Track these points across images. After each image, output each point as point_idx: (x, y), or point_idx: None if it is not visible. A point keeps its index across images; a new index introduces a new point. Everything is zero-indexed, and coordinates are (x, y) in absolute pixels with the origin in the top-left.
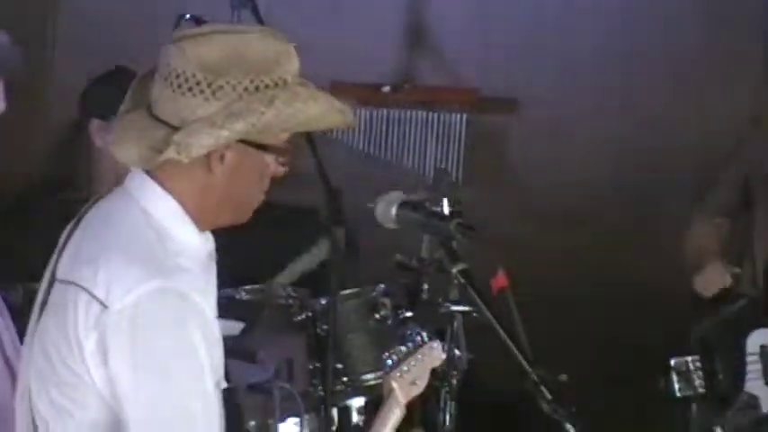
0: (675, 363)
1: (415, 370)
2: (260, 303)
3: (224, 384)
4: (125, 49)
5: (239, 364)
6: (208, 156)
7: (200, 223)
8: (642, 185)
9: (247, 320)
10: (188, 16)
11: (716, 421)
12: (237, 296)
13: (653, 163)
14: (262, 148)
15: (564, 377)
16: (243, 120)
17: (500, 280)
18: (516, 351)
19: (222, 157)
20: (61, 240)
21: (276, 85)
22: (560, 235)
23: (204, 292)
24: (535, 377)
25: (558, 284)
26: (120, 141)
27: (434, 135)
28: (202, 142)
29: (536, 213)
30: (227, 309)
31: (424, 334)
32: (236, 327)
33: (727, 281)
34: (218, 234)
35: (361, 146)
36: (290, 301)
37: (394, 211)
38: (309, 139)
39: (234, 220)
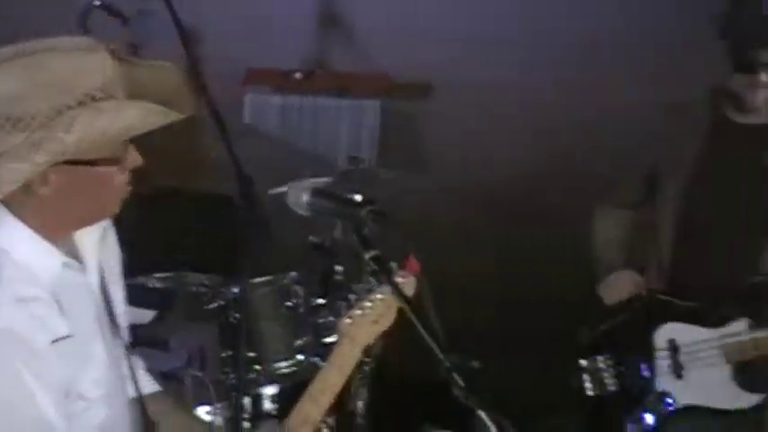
0: (587, 363)
1: (373, 310)
2: (172, 291)
3: (88, 396)
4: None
5: (151, 353)
6: (29, 184)
7: (53, 237)
8: (557, 168)
9: (159, 308)
10: (98, 2)
11: (629, 418)
12: (149, 284)
13: (568, 146)
14: (89, 163)
15: (476, 364)
16: (43, 149)
17: (412, 265)
18: (428, 337)
19: (46, 182)
20: None
21: (80, 103)
22: (477, 219)
23: (46, 321)
24: (448, 364)
25: (474, 270)
26: None
27: (347, 121)
28: (10, 178)
29: (452, 198)
30: (139, 297)
31: (393, 265)
32: (147, 315)
33: (630, 290)
34: (129, 221)
35: (274, 132)
36: (202, 289)
37: (305, 197)
38: (221, 127)
39: (95, 222)
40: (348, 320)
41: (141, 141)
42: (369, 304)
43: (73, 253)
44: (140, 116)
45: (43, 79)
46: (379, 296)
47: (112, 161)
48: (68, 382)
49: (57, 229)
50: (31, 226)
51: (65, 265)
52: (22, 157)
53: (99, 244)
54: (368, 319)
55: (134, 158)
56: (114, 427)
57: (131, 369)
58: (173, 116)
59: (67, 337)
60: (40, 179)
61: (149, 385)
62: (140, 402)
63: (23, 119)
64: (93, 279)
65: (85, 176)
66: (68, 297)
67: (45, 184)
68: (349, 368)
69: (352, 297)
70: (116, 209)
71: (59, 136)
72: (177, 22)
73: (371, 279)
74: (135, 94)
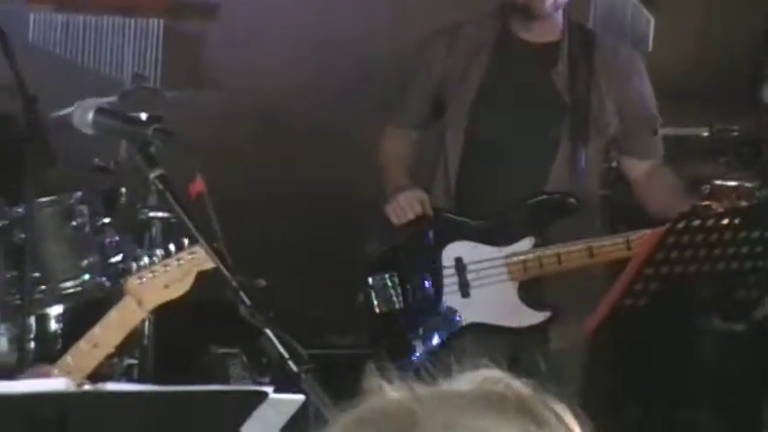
0: (373, 279)
1: (167, 274)
2: None
3: None
4: None
5: None
6: None
7: None
8: (345, 91)
9: None
10: None
11: (415, 335)
12: None
13: (355, 68)
14: None
15: (262, 282)
16: None
17: (197, 185)
18: (214, 256)
19: None
20: None
21: None
22: (262, 140)
23: None
24: (234, 283)
25: (262, 189)
26: None
27: (131, 40)
28: None
29: (237, 118)
30: None
31: (186, 240)
32: None
33: (417, 210)
34: None
35: (58, 51)
36: None
37: (90, 116)
38: (5, 46)
39: None
40: (137, 281)
41: None
42: (162, 268)
43: None
44: None
45: None
46: (176, 262)
47: None
48: None
49: None
50: None
51: None
52: None
53: None
54: (159, 282)
55: None
56: None
57: None
58: None
59: None
60: None
61: None
62: None
63: None
64: None
65: None
66: None
67: None
68: (130, 326)
69: (145, 258)
70: None
71: None
72: None
73: (171, 245)
74: None
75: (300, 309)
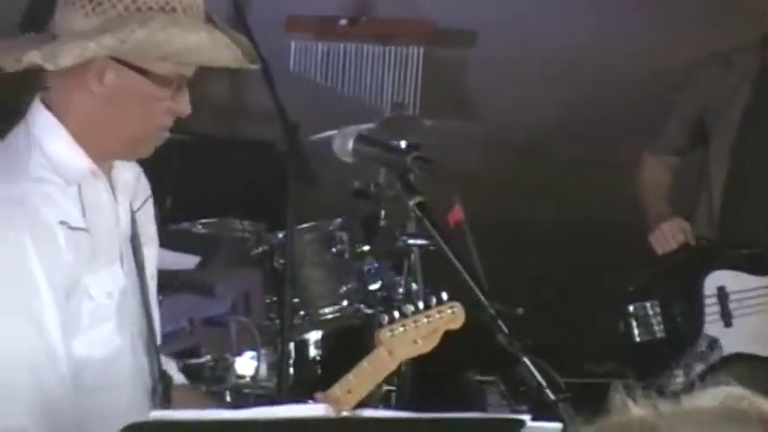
0: (634, 308)
1: (417, 330)
2: (217, 237)
3: (98, 300)
4: None
5: (196, 299)
6: (86, 73)
7: (88, 147)
8: (599, 118)
9: (204, 254)
10: None
11: (676, 365)
12: (194, 230)
13: (610, 96)
14: (139, 71)
15: (521, 311)
16: (112, 34)
17: (456, 213)
18: (473, 284)
19: (101, 78)
20: None
21: (161, 9)
22: (519, 168)
23: (60, 204)
24: (492, 310)
25: (516, 217)
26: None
27: (391, 68)
28: (70, 52)
29: (495, 146)
30: (183, 242)
31: (444, 295)
32: (192, 260)
33: (680, 239)
34: (177, 169)
35: (318, 80)
36: (247, 234)
37: (350, 144)
38: (266, 74)
39: (126, 153)
40: (388, 333)
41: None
42: (413, 324)
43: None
44: (207, 43)
45: None
46: (425, 319)
47: (165, 81)
48: (74, 273)
49: (93, 139)
50: (70, 130)
51: (93, 173)
52: (90, 37)
53: (132, 188)
54: (409, 337)
55: (184, 103)
56: (120, 362)
57: (151, 324)
58: (238, 58)
59: (82, 230)
60: (98, 73)
61: (177, 376)
62: (156, 355)
63: (103, 4)
64: (123, 215)
65: (136, 86)
66: (91, 204)
67: (100, 81)
68: (382, 376)
69: (395, 311)
70: (151, 145)
71: (132, 26)
72: None
73: (420, 302)
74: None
75: (558, 337)
